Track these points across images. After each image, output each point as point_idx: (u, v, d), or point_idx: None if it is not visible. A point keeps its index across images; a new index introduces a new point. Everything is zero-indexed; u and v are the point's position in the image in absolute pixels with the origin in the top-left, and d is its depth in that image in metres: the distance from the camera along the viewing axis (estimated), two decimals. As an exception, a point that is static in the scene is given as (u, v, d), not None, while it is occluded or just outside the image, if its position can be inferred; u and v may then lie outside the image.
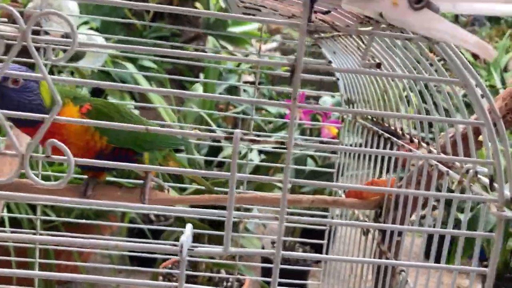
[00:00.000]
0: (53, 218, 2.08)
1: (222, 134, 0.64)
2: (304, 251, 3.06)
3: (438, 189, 0.90)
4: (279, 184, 2.56)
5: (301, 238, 2.98)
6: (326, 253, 1.84)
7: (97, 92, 3.79)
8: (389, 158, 1.17)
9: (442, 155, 0.88)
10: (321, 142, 2.62)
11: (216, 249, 0.66)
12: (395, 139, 1.14)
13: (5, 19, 1.35)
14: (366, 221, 1.29)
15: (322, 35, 1.22)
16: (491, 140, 0.65)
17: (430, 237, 0.88)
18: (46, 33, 2.47)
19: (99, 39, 2.99)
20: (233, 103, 3.77)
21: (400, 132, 1.10)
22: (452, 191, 0.82)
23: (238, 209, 2.06)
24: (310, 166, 2.93)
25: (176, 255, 0.62)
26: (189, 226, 0.66)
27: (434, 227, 0.93)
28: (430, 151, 0.94)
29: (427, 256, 0.89)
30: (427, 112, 0.90)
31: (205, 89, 3.25)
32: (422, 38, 0.63)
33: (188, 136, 1.44)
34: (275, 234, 3.20)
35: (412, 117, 0.75)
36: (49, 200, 0.67)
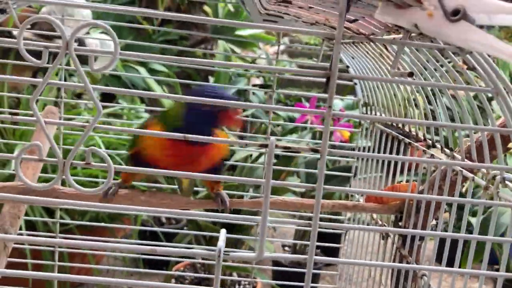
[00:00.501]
0: (69, 221, 2.10)
1: (257, 142, 0.65)
2: (316, 255, 3.07)
3: (462, 195, 0.91)
4: (293, 189, 2.57)
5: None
6: (338, 257, 1.86)
7: (107, 96, 3.82)
8: (403, 163, 1.18)
9: (469, 162, 0.89)
10: (333, 146, 2.63)
11: (251, 254, 0.67)
12: (416, 144, 1.15)
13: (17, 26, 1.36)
14: (385, 225, 1.30)
15: (344, 40, 1.23)
16: (521, 147, 0.66)
17: (441, 241, 0.89)
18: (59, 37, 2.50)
19: (111, 43, 3.01)
20: (254, 108, 3.78)
21: (422, 137, 1.11)
22: (463, 196, 0.84)
23: (254, 214, 2.07)
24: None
25: (192, 257, 0.64)
26: (223, 231, 0.67)
27: (446, 231, 0.94)
28: (453, 157, 0.95)
29: (437, 259, 0.91)
30: (452, 118, 0.91)
31: (216, 92, 3.26)
32: (455, 48, 0.64)
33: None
34: (285, 237, 3.21)
35: (437, 124, 0.76)
36: (80, 205, 0.68)
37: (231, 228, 2.36)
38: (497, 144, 0.76)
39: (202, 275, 2.37)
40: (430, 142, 1.06)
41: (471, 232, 0.87)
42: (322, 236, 2.40)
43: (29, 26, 1.39)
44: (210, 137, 0.69)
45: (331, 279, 2.96)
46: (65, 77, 3.30)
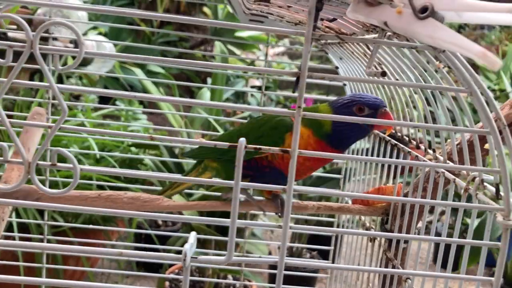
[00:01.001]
0: (61, 223, 2.09)
1: (225, 143, 0.64)
2: (312, 257, 3.05)
3: (446, 194, 0.90)
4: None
5: (309, 243, 2.98)
6: (333, 259, 1.84)
7: (105, 97, 3.81)
8: (396, 165, 1.16)
9: (450, 163, 0.88)
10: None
11: (219, 257, 0.66)
12: (402, 145, 1.14)
13: (15, 26, 1.36)
14: (372, 227, 1.29)
15: (329, 41, 1.22)
16: (497, 148, 0.64)
17: (438, 243, 0.87)
18: (55, 39, 2.49)
19: (108, 45, 3.01)
20: (239, 110, 3.77)
21: (407, 138, 1.10)
22: (460, 196, 0.82)
23: (244, 216, 2.06)
24: (318, 171, 2.92)
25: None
26: (193, 234, 0.66)
27: (441, 232, 0.92)
28: (436, 158, 0.93)
29: (434, 260, 0.89)
30: (434, 117, 0.90)
31: (213, 94, 3.26)
32: (428, 47, 0.63)
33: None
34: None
35: (417, 125, 0.75)
36: (62, 208, 0.67)
37: (225, 230, 2.34)
38: (476, 145, 0.74)
39: (196, 278, 2.36)
40: (415, 143, 1.05)
41: (467, 234, 0.85)
42: (317, 238, 2.38)
43: (15, 27, 1.37)
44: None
45: (329, 281, 2.94)
46: (62, 79, 3.30)
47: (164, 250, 2.30)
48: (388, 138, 1.21)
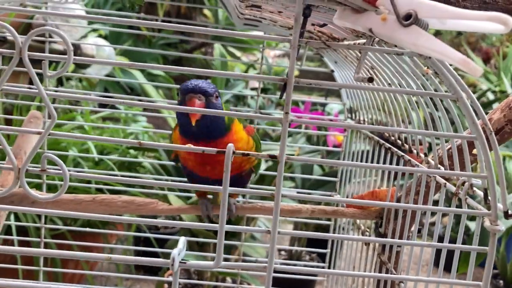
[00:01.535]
0: (59, 226, 2.10)
1: (213, 149, 0.65)
2: (311, 259, 3.05)
3: (438, 200, 0.90)
4: (284, 193, 2.55)
5: (308, 245, 2.98)
6: (330, 261, 1.84)
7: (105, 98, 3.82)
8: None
9: (440, 168, 0.88)
10: (327, 150, 2.62)
11: (208, 262, 0.66)
12: (395, 149, 1.14)
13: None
14: (367, 230, 1.29)
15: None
16: (484, 153, 0.65)
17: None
18: (54, 42, 2.50)
19: (108, 48, 3.02)
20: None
21: (400, 142, 1.10)
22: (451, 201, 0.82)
23: (241, 218, 2.06)
24: (317, 173, 2.92)
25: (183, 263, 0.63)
26: (182, 239, 0.67)
27: (440, 234, 0.92)
28: (428, 162, 0.94)
29: (438, 263, 0.89)
30: (425, 124, 0.90)
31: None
32: (414, 53, 0.63)
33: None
34: (283, 241, 3.19)
35: (405, 131, 0.75)
36: (56, 214, 0.68)
37: (225, 234, 2.34)
38: (464, 151, 0.75)
39: (195, 281, 2.36)
40: (407, 147, 1.05)
41: (468, 236, 0.85)
42: (316, 241, 2.37)
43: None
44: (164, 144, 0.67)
45: (327, 283, 2.93)
46: (62, 81, 3.31)
47: (162, 253, 2.30)
48: (382, 141, 1.21)
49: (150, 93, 3.40)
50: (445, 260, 0.85)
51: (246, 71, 3.39)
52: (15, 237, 2.06)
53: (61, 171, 0.64)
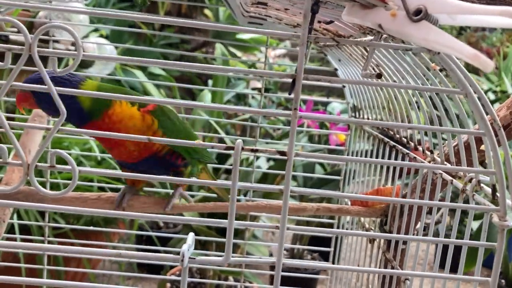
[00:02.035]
0: (62, 225, 2.10)
1: (223, 145, 0.65)
2: (313, 258, 3.05)
3: (445, 196, 0.90)
4: (293, 189, 2.55)
5: (310, 244, 2.98)
6: (333, 260, 1.84)
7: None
8: (395, 166, 1.17)
9: (447, 164, 0.88)
10: (329, 149, 2.62)
11: (217, 258, 0.66)
12: (400, 147, 1.14)
13: (16, 29, 1.37)
14: (372, 229, 1.29)
15: (327, 43, 1.23)
16: (493, 149, 0.65)
17: (437, 245, 0.88)
18: (57, 41, 2.51)
19: (109, 47, 3.02)
20: (237, 112, 3.78)
21: (405, 140, 1.10)
22: (458, 197, 0.82)
23: (244, 217, 2.06)
24: (319, 172, 2.93)
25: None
26: (191, 235, 0.67)
27: (441, 233, 0.92)
28: (434, 159, 0.94)
29: (441, 264, 0.89)
30: (431, 120, 0.90)
31: (214, 96, 3.27)
32: (423, 49, 0.63)
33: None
34: (285, 241, 3.19)
35: (413, 126, 0.75)
36: (62, 210, 0.68)
37: (226, 232, 2.34)
38: (472, 147, 0.75)
39: (197, 279, 2.36)
40: (413, 144, 1.05)
41: (471, 235, 0.85)
42: (319, 240, 2.38)
43: (16, 30, 1.38)
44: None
45: (330, 283, 2.94)
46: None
47: (165, 252, 2.30)
48: (387, 139, 1.21)
49: (151, 92, 3.40)
50: (445, 259, 0.85)
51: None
52: (17, 236, 2.07)
53: (70, 168, 0.64)
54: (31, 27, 2.71)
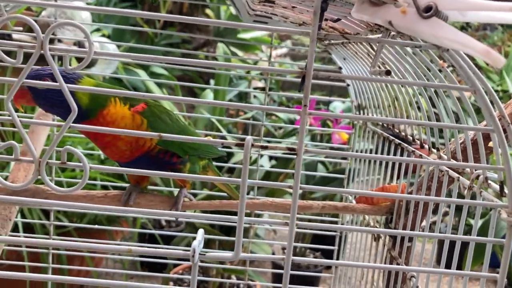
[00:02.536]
0: (66, 223, 2.10)
1: (233, 141, 0.65)
2: (315, 257, 3.06)
3: (449, 194, 0.90)
4: (290, 190, 2.56)
5: (312, 244, 2.99)
6: (337, 259, 1.84)
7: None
8: (400, 164, 1.17)
9: (453, 161, 0.88)
10: (331, 148, 2.62)
11: (227, 254, 0.66)
12: (405, 144, 1.14)
13: (21, 28, 1.37)
14: (376, 227, 1.30)
15: (332, 41, 1.23)
16: (501, 146, 0.65)
17: (440, 243, 0.88)
18: (59, 40, 2.51)
19: (111, 46, 3.02)
20: (243, 109, 3.79)
21: (411, 137, 1.10)
22: (463, 197, 0.83)
23: (248, 215, 2.07)
24: (321, 171, 2.93)
25: (188, 260, 0.63)
26: (200, 231, 0.67)
27: (445, 233, 0.93)
28: (440, 157, 0.94)
29: (438, 262, 0.89)
30: (437, 118, 0.91)
31: (216, 95, 3.27)
32: (432, 46, 0.64)
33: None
34: (286, 240, 3.20)
35: (422, 123, 0.76)
36: (70, 206, 0.68)
37: (229, 230, 2.35)
38: (480, 144, 0.75)
39: (200, 277, 2.36)
40: (419, 142, 1.05)
41: (470, 235, 0.85)
42: (321, 239, 2.39)
43: (21, 28, 1.39)
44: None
45: (332, 281, 2.95)
46: (66, 80, 3.32)
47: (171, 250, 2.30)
48: (392, 137, 1.21)
49: (154, 91, 3.41)
50: (451, 258, 0.86)
51: (248, 71, 3.40)
52: (21, 234, 2.07)
53: (81, 164, 0.65)
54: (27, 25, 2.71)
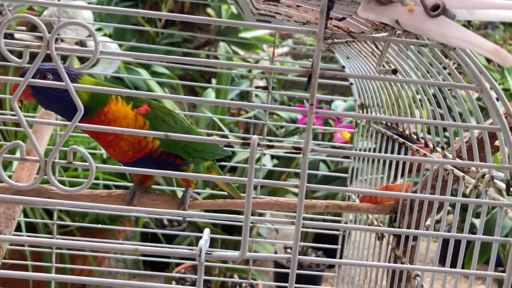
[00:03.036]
0: (69, 223, 2.10)
1: (239, 140, 0.65)
2: (317, 256, 3.06)
3: (453, 194, 0.90)
4: (293, 189, 2.56)
5: (314, 243, 2.99)
6: (340, 258, 1.84)
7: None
8: (404, 163, 1.17)
9: (458, 160, 0.88)
10: (333, 147, 2.62)
11: (233, 253, 0.66)
12: (409, 143, 1.14)
13: (24, 28, 1.37)
14: (380, 226, 1.29)
15: (336, 40, 1.23)
16: (508, 144, 0.65)
17: (445, 242, 0.88)
18: (62, 40, 2.51)
19: (113, 46, 3.02)
20: (245, 108, 3.79)
21: (415, 136, 1.10)
22: (467, 196, 0.83)
23: (252, 214, 2.07)
24: (323, 170, 2.93)
25: (191, 259, 0.63)
26: (206, 230, 0.67)
27: (449, 232, 0.92)
28: (445, 156, 0.94)
29: (442, 261, 0.89)
30: (442, 116, 0.90)
31: (217, 94, 3.27)
32: (438, 44, 0.63)
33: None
34: (288, 239, 3.23)
35: (427, 122, 0.75)
36: (74, 206, 0.68)
37: (232, 230, 2.35)
38: (485, 142, 0.75)
39: (203, 277, 2.36)
40: (423, 141, 1.05)
41: (475, 233, 0.85)
42: (323, 238, 2.39)
43: (24, 28, 1.38)
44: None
45: (335, 280, 2.95)
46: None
47: (177, 249, 2.31)
48: (396, 136, 1.21)
49: (155, 91, 3.41)
50: (453, 258, 0.85)
51: (250, 71, 3.39)
52: (24, 233, 2.07)
53: (87, 164, 0.65)
54: (35, 26, 2.71)
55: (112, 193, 1.13)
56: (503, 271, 0.73)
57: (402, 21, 0.59)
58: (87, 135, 2.31)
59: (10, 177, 1.72)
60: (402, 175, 1.17)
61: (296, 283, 1.67)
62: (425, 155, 1.04)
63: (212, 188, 2.37)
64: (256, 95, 4.10)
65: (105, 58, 2.84)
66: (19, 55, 0.65)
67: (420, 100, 1.03)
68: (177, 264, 2.54)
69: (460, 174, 0.87)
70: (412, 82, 0.95)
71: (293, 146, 0.65)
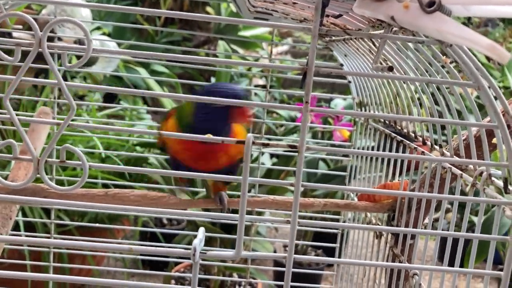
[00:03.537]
0: (67, 222, 2.10)
1: (233, 139, 0.64)
2: (317, 255, 3.05)
3: (451, 192, 0.90)
4: (291, 188, 2.55)
5: (313, 241, 2.98)
6: (339, 257, 1.84)
7: (109, 97, 3.82)
8: (402, 161, 1.16)
9: (456, 158, 0.88)
10: (333, 145, 2.62)
11: (228, 252, 0.66)
12: (407, 141, 1.14)
13: (20, 26, 1.37)
14: (379, 225, 1.29)
15: (334, 38, 1.22)
16: (505, 142, 0.64)
17: (443, 240, 0.87)
18: (59, 39, 2.50)
19: (112, 44, 3.02)
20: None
21: (413, 134, 1.10)
22: (465, 194, 0.82)
23: (250, 213, 2.06)
24: (322, 169, 2.92)
25: (189, 258, 0.63)
26: (201, 229, 0.66)
27: (447, 230, 0.92)
28: (443, 154, 0.93)
29: (441, 259, 0.89)
30: (440, 114, 0.90)
31: (217, 93, 3.25)
32: (435, 41, 0.63)
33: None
34: (287, 237, 3.20)
35: (425, 119, 0.75)
36: (70, 205, 0.68)
37: (230, 228, 2.35)
38: (483, 140, 0.74)
39: (201, 276, 2.36)
40: (421, 139, 1.05)
41: (474, 232, 0.85)
42: (322, 237, 2.39)
43: (21, 27, 1.38)
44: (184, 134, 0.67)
45: (334, 279, 2.94)
46: (67, 79, 3.31)
47: (172, 249, 2.30)
48: (394, 135, 1.21)
49: (154, 89, 3.40)
50: (451, 257, 0.85)
51: (249, 69, 3.39)
52: (22, 233, 2.07)
53: (80, 163, 0.64)
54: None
55: (108, 192, 1.12)
56: (502, 270, 0.73)
57: (397, 18, 0.58)
58: (86, 134, 2.31)
59: (7, 176, 1.72)
60: (401, 173, 1.16)
61: (296, 281, 1.67)
62: (423, 153, 1.03)
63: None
64: (256, 94, 4.09)
65: (104, 57, 2.83)
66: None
67: (419, 99, 1.02)
68: (176, 263, 2.54)
69: (458, 172, 0.87)
70: (408, 79, 0.94)
71: (289, 144, 0.64)
